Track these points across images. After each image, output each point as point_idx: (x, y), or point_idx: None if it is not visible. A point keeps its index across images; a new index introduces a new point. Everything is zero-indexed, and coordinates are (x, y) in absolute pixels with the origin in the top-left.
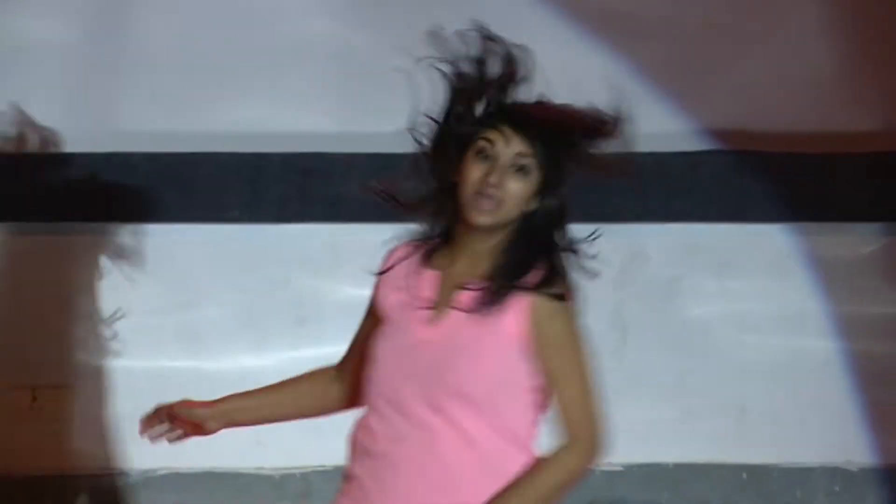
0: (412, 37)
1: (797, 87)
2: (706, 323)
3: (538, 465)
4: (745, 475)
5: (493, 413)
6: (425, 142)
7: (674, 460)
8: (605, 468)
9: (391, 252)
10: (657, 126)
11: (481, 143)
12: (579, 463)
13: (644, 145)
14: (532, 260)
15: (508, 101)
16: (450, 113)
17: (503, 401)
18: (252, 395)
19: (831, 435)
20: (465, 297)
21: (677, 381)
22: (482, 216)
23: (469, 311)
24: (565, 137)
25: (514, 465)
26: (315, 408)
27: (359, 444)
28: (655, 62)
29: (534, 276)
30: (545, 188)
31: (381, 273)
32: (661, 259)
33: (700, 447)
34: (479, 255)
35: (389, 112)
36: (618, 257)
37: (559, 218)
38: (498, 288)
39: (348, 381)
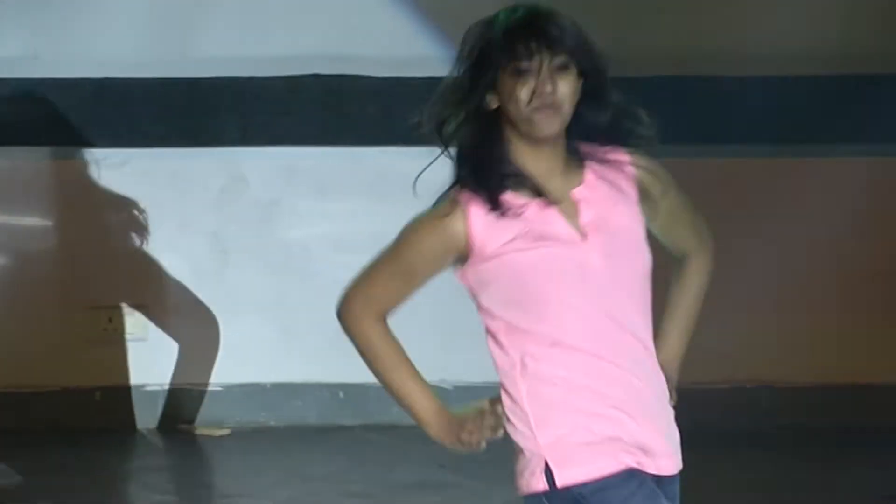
0: None
1: (389, 13)
2: (305, 244)
3: (688, 288)
4: (342, 393)
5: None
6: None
7: (272, 380)
8: (204, 388)
9: (454, 196)
10: (258, 50)
11: (514, 64)
12: (711, 268)
13: (243, 69)
14: (601, 131)
15: (519, 19)
16: (475, 49)
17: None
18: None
19: (436, 356)
20: (582, 191)
21: (277, 302)
22: (547, 126)
23: (599, 193)
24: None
25: None
26: None
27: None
28: None
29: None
30: (585, 76)
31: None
32: (260, 182)
33: (298, 367)
34: (556, 163)
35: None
36: (218, 181)
37: (604, 92)
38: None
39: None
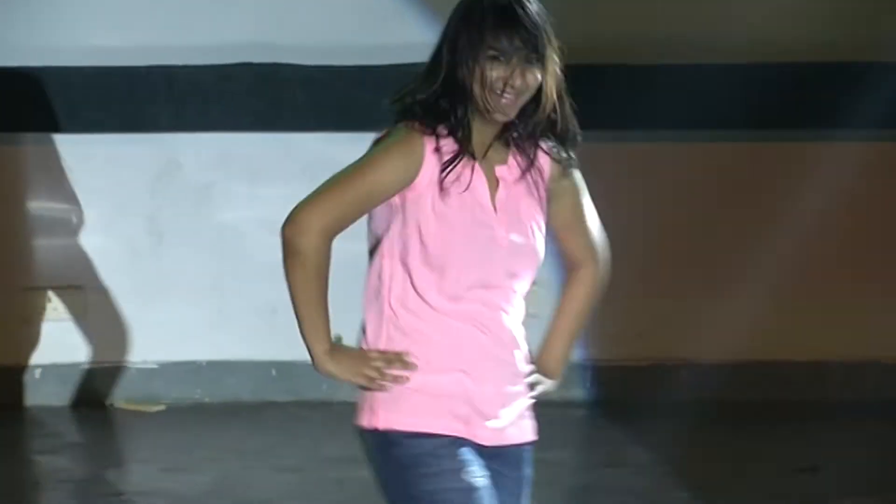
0: None
1: (319, 2)
2: (238, 228)
3: (575, 295)
4: (274, 371)
5: None
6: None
7: (207, 358)
8: (141, 366)
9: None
10: (192, 39)
11: (491, 50)
12: (601, 279)
13: (178, 58)
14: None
15: (506, 7)
16: (460, 30)
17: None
18: (326, 326)
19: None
20: (504, 170)
21: (212, 284)
22: (506, 112)
23: (515, 180)
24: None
25: None
26: None
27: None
28: None
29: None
30: (550, 68)
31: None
32: (195, 166)
33: (232, 346)
34: (490, 139)
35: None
36: (153, 165)
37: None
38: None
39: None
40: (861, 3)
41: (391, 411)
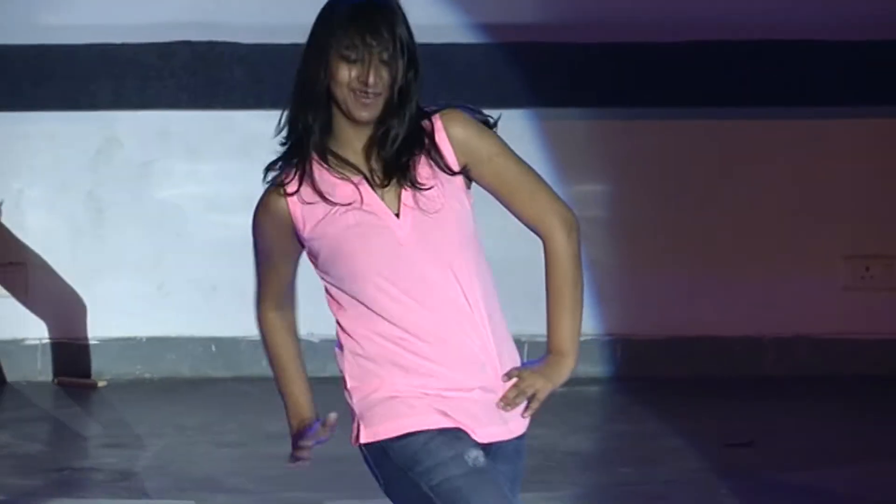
0: None
1: None
2: (178, 205)
3: (552, 271)
4: (214, 347)
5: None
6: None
7: (147, 334)
8: (82, 342)
9: (278, 178)
10: (131, 18)
11: (345, 51)
12: (573, 245)
13: (117, 36)
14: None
15: (356, 7)
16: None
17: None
18: (305, 386)
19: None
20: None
21: (152, 260)
22: (364, 111)
23: (419, 188)
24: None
25: None
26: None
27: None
28: None
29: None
30: (408, 64)
31: (289, 194)
32: (135, 144)
33: (173, 322)
34: (368, 137)
35: None
36: (93, 143)
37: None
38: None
39: (290, 304)
40: None
41: (374, 423)
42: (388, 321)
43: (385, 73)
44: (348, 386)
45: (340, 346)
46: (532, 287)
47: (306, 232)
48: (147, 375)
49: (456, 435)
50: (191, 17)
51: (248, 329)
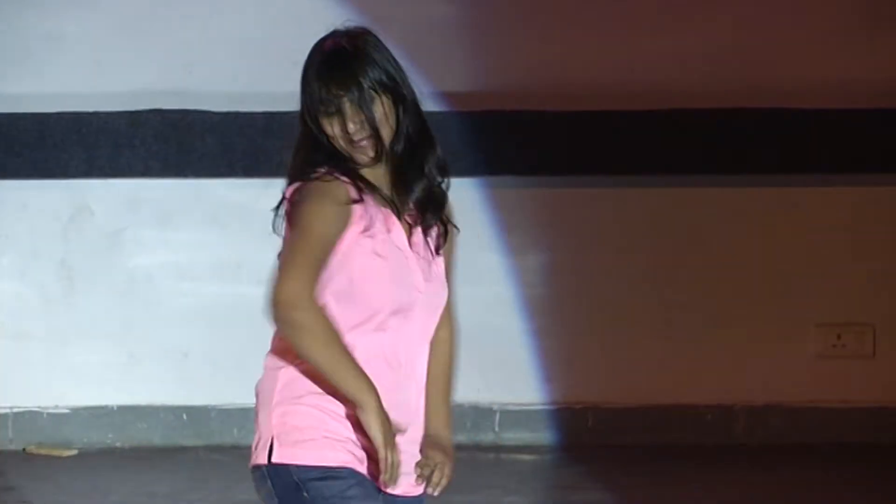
0: None
1: (227, 49)
2: (149, 272)
3: (438, 353)
4: (185, 416)
5: None
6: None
7: (119, 403)
8: (52, 411)
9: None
10: (102, 86)
11: (321, 107)
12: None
13: (88, 105)
14: (427, 175)
15: (318, 63)
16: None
17: None
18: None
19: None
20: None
21: (123, 328)
22: (364, 155)
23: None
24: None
25: None
26: None
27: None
28: None
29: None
30: (396, 101)
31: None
32: (106, 212)
33: (144, 390)
34: (390, 179)
35: None
36: (65, 211)
37: (421, 122)
38: (438, 223)
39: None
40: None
41: (294, 445)
42: (368, 346)
43: (362, 117)
44: (274, 400)
45: (278, 356)
46: (504, 356)
47: (348, 234)
48: (118, 444)
49: (371, 491)
50: (162, 86)
51: (219, 397)
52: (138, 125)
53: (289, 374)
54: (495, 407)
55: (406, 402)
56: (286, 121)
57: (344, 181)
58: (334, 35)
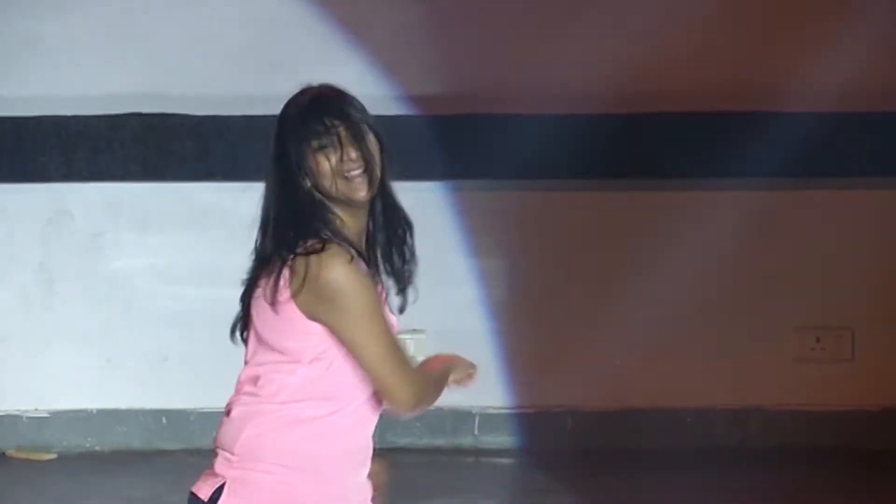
0: None
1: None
2: (128, 276)
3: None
4: (164, 419)
5: None
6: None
7: (98, 406)
8: (32, 415)
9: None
10: (81, 90)
11: (315, 142)
12: None
13: (67, 108)
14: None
15: (308, 101)
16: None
17: None
18: None
19: None
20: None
21: (102, 331)
22: (361, 190)
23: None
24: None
25: None
26: None
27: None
28: None
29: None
30: (380, 143)
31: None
32: (85, 215)
33: (123, 394)
34: (362, 229)
35: None
36: (44, 215)
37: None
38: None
39: None
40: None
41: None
42: (346, 435)
43: (365, 144)
44: (239, 455)
45: (257, 413)
46: (483, 360)
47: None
48: (97, 448)
49: None
50: (141, 89)
51: (198, 400)
52: (117, 128)
53: (275, 427)
54: (475, 410)
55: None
56: (265, 124)
57: (351, 252)
58: (308, 89)
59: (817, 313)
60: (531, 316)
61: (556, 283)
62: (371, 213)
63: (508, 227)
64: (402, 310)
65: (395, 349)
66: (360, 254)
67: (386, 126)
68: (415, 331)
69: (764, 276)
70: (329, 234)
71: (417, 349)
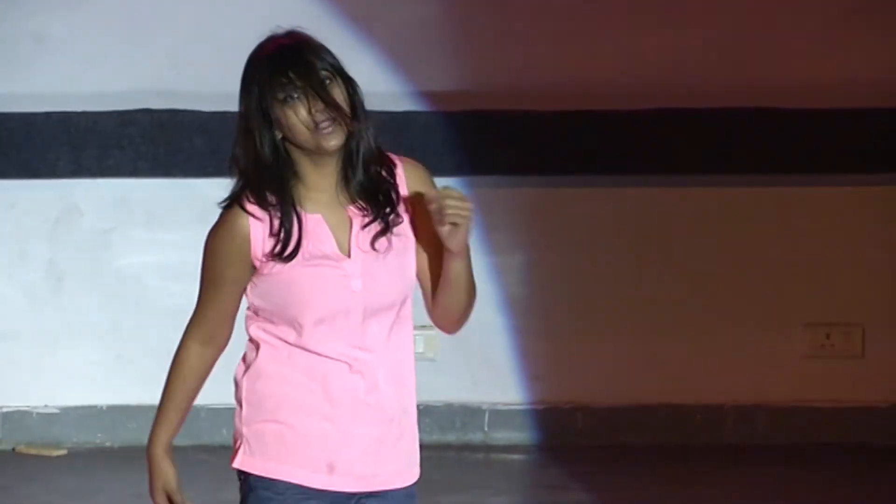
0: None
1: (215, 49)
2: (137, 272)
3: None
4: None
5: None
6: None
7: (108, 402)
8: (42, 411)
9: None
10: (91, 86)
11: (280, 94)
12: None
13: (76, 104)
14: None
15: (272, 53)
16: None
17: None
18: (177, 420)
19: None
20: (373, 240)
21: (111, 327)
22: (333, 139)
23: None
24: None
25: None
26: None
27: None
28: None
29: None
30: (347, 84)
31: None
32: (94, 212)
33: (133, 390)
34: (336, 179)
35: None
36: (53, 211)
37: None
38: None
39: (219, 343)
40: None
41: (253, 455)
42: (314, 358)
43: (332, 92)
44: (242, 409)
45: (244, 360)
46: (493, 356)
47: (260, 257)
48: (108, 444)
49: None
50: (151, 85)
51: (208, 397)
52: (127, 125)
53: (256, 369)
54: (484, 406)
55: (370, 405)
56: None
57: (250, 206)
58: (273, 37)
59: (827, 309)
60: (542, 312)
61: (568, 280)
62: (346, 154)
63: (520, 223)
64: (373, 243)
65: (199, 297)
66: (284, 203)
67: (398, 122)
68: (424, 327)
69: (774, 272)
70: (249, 193)
71: (427, 345)
